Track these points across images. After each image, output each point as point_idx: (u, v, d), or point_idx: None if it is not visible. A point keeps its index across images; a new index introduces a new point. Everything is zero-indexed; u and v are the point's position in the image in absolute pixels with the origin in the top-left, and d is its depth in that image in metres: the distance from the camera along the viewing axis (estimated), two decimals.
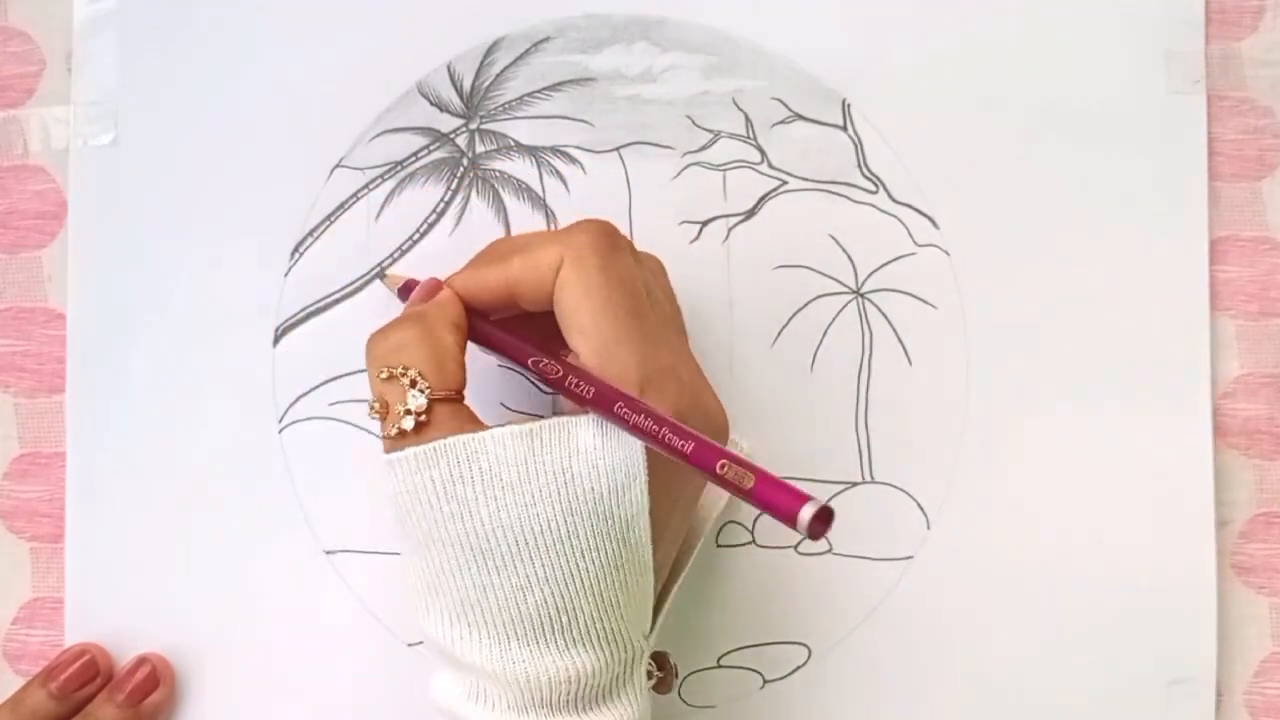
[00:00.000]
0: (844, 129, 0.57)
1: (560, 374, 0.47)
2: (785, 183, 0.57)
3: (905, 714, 0.56)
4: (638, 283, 0.48)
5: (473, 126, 0.57)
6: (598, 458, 0.45)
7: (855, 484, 0.57)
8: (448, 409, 0.46)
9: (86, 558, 0.56)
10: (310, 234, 0.57)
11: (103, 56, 0.57)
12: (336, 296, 0.57)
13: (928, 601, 0.57)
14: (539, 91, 0.57)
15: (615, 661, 0.46)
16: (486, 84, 0.57)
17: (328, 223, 0.57)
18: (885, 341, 0.57)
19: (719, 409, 0.49)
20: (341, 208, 0.57)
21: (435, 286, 0.50)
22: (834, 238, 0.57)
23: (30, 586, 0.57)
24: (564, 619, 0.45)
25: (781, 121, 0.57)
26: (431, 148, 0.57)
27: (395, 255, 0.57)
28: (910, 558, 0.57)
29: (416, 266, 0.57)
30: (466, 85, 0.57)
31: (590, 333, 0.46)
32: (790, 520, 0.40)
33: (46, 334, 0.57)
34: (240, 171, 0.57)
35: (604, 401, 0.45)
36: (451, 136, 0.57)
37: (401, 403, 0.46)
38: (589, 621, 0.45)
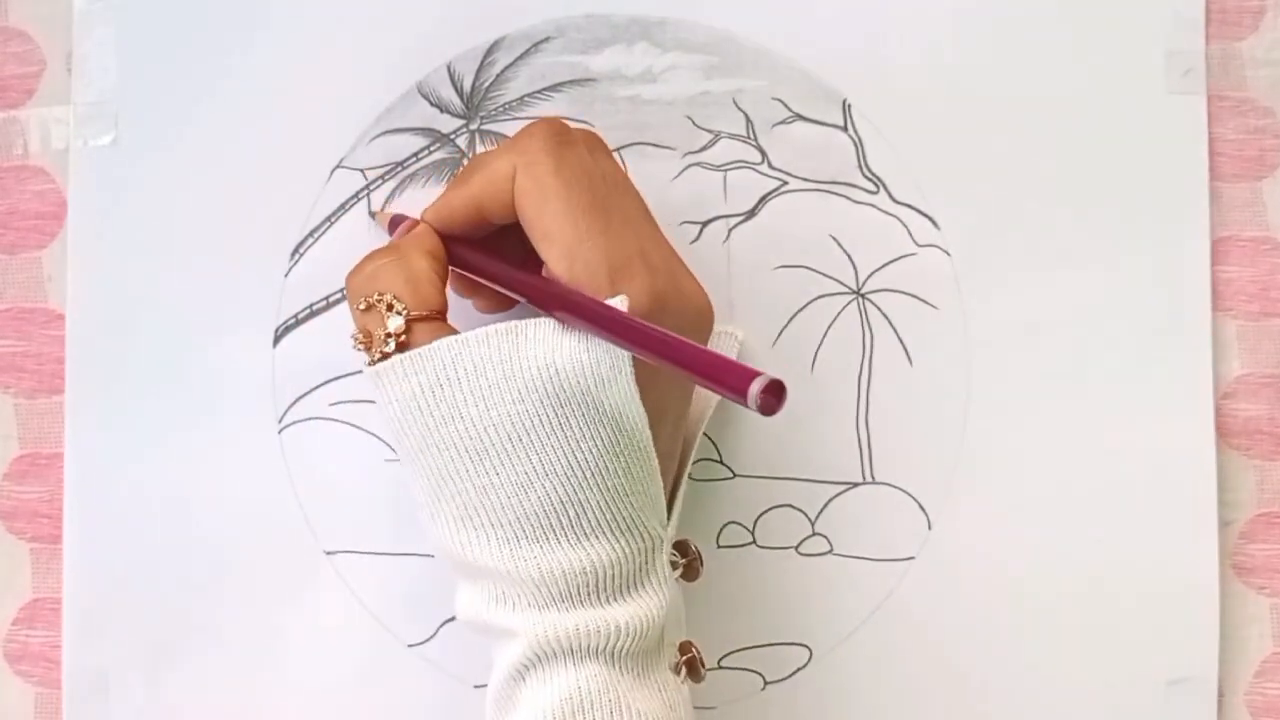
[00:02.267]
0: (844, 129, 0.57)
1: (529, 287, 0.47)
2: (786, 183, 0.57)
3: (906, 714, 0.56)
4: (595, 175, 0.48)
5: (473, 127, 0.57)
6: (581, 350, 0.45)
7: (856, 484, 0.57)
8: (427, 326, 0.47)
9: (86, 558, 0.56)
10: (310, 234, 0.57)
11: (103, 56, 0.57)
12: (336, 296, 0.57)
13: (929, 601, 0.57)
14: (539, 92, 0.57)
15: (634, 550, 0.46)
16: (487, 84, 0.57)
17: (328, 223, 0.57)
18: (886, 342, 0.57)
19: (697, 289, 0.49)
20: (341, 208, 0.57)
21: (413, 224, 0.51)
22: (834, 238, 0.57)
23: (30, 587, 0.57)
24: (571, 511, 0.45)
25: (782, 122, 0.57)
26: (432, 148, 0.57)
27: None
28: (911, 558, 0.57)
29: None
30: (467, 85, 0.57)
31: (554, 237, 0.47)
32: (741, 397, 0.39)
33: (46, 334, 0.57)
34: (240, 171, 0.57)
35: (569, 311, 0.45)
36: (452, 137, 0.57)
37: (381, 327, 0.47)
38: (598, 511, 0.45)
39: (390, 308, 0.47)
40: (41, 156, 0.58)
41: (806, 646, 0.57)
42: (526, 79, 0.57)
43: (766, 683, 0.56)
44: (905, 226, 0.57)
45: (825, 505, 0.57)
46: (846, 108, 0.57)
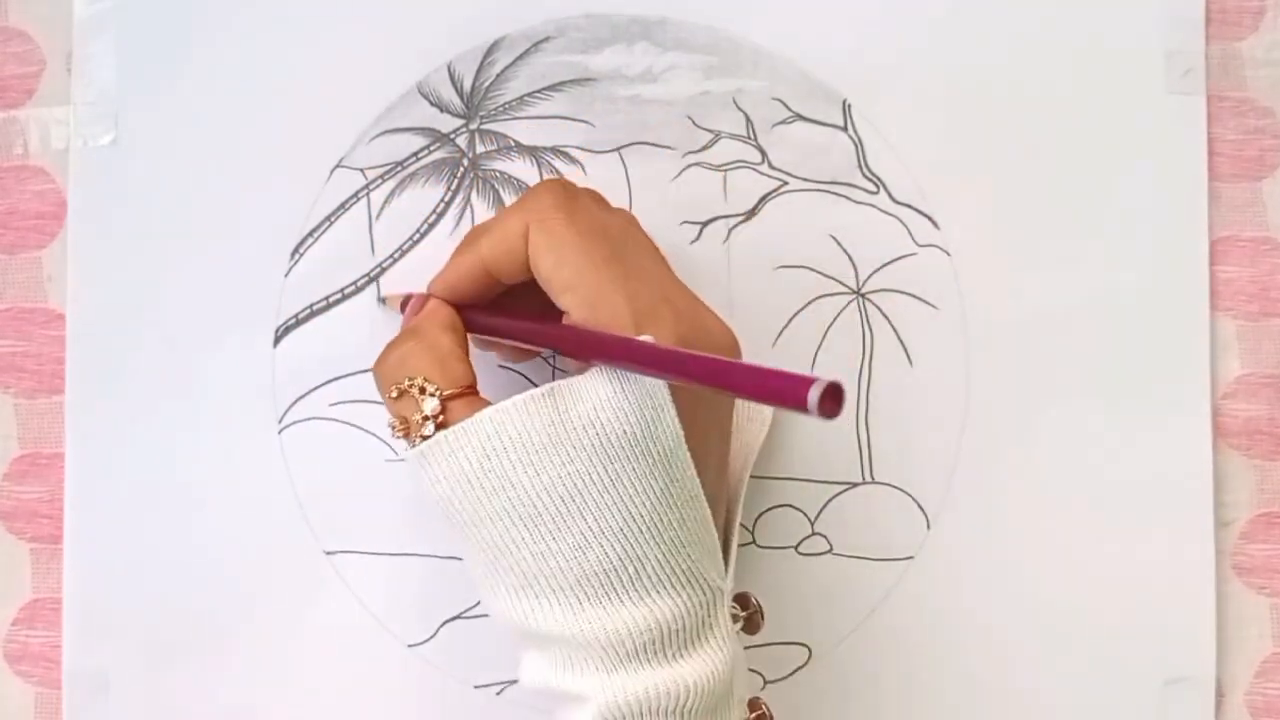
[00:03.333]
0: (844, 129, 0.57)
1: (556, 337, 0.47)
2: (786, 183, 0.57)
3: (906, 714, 0.56)
4: (609, 227, 0.48)
5: (473, 127, 0.57)
6: (622, 400, 0.44)
7: (855, 484, 0.57)
8: (461, 402, 0.47)
9: (86, 559, 0.56)
10: (310, 234, 0.57)
11: (103, 56, 0.57)
12: (336, 296, 0.57)
13: (928, 602, 0.57)
14: (539, 91, 0.57)
15: (696, 604, 0.46)
16: (487, 84, 0.57)
17: (328, 223, 0.57)
18: (886, 342, 0.57)
19: (721, 328, 0.49)
20: (341, 208, 0.57)
21: (421, 299, 0.51)
22: (834, 238, 0.57)
23: (30, 587, 0.57)
24: (631, 568, 0.45)
25: (782, 122, 0.57)
26: (432, 148, 0.57)
27: (395, 255, 0.57)
28: (910, 558, 0.57)
29: (417, 267, 0.57)
30: (467, 85, 0.57)
31: (575, 286, 0.47)
32: (801, 405, 0.38)
33: (46, 334, 0.57)
34: (240, 171, 0.57)
35: (603, 353, 0.45)
36: (452, 137, 0.57)
37: (417, 411, 0.46)
38: (657, 565, 0.45)
39: (423, 390, 0.47)
40: (41, 156, 0.58)
41: (806, 646, 0.57)
42: (526, 79, 0.57)
43: (766, 682, 0.57)
44: (905, 226, 0.57)
45: (825, 505, 0.57)
46: (846, 108, 0.57)
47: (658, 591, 0.45)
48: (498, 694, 0.56)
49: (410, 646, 0.56)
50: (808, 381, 0.37)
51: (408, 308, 0.52)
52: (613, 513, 0.45)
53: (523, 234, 0.48)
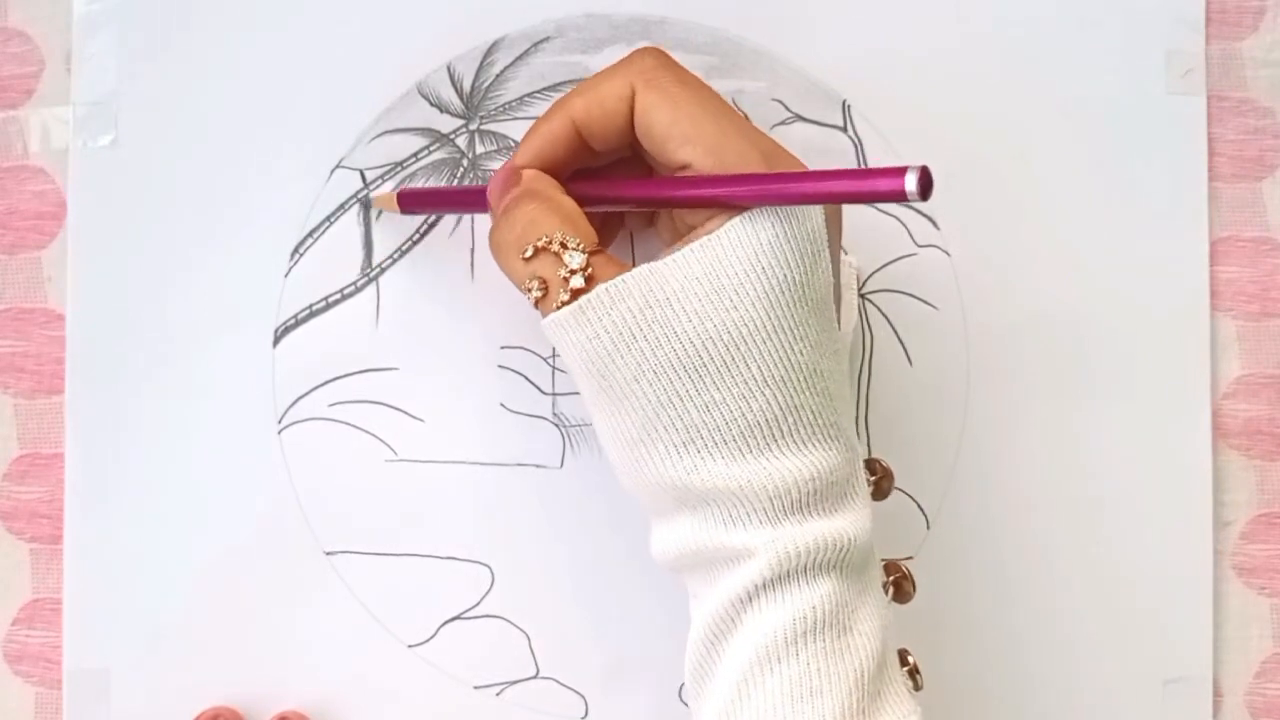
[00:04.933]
0: (844, 130, 0.57)
1: (704, 188, 0.46)
2: None
3: None
4: (710, 86, 0.48)
5: (473, 127, 0.57)
6: (784, 242, 0.44)
7: None
8: (603, 258, 0.46)
9: (86, 559, 0.56)
10: (310, 234, 0.57)
11: (102, 57, 0.57)
12: (336, 297, 0.57)
13: (927, 601, 0.57)
14: (539, 92, 0.57)
15: (844, 458, 0.46)
16: (486, 84, 0.57)
17: (328, 223, 0.57)
18: (885, 342, 0.57)
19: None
20: (341, 208, 0.57)
21: (512, 170, 0.50)
22: None
23: (30, 588, 0.57)
24: (790, 418, 0.45)
25: (782, 122, 0.57)
26: (431, 148, 0.57)
27: (395, 256, 0.57)
28: (910, 558, 0.57)
29: (417, 267, 0.57)
30: (466, 86, 0.57)
31: (697, 137, 0.46)
32: (900, 195, 0.41)
33: (46, 334, 0.57)
34: (240, 171, 0.57)
35: (763, 182, 0.44)
36: (451, 137, 0.57)
37: (561, 267, 0.46)
38: (813, 416, 0.45)
39: (565, 246, 0.46)
40: (41, 156, 0.58)
41: None
42: (526, 79, 0.57)
43: None
44: (905, 227, 0.57)
45: None
46: (846, 108, 0.57)
47: (814, 443, 0.45)
48: (498, 694, 0.56)
49: (410, 647, 0.56)
50: (902, 170, 0.41)
51: (498, 181, 0.50)
52: (775, 360, 0.44)
53: (625, 96, 0.47)
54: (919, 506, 0.57)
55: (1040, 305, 0.57)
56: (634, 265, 0.45)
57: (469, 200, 0.54)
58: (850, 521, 0.45)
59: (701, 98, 0.47)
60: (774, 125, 0.57)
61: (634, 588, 0.56)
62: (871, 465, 0.49)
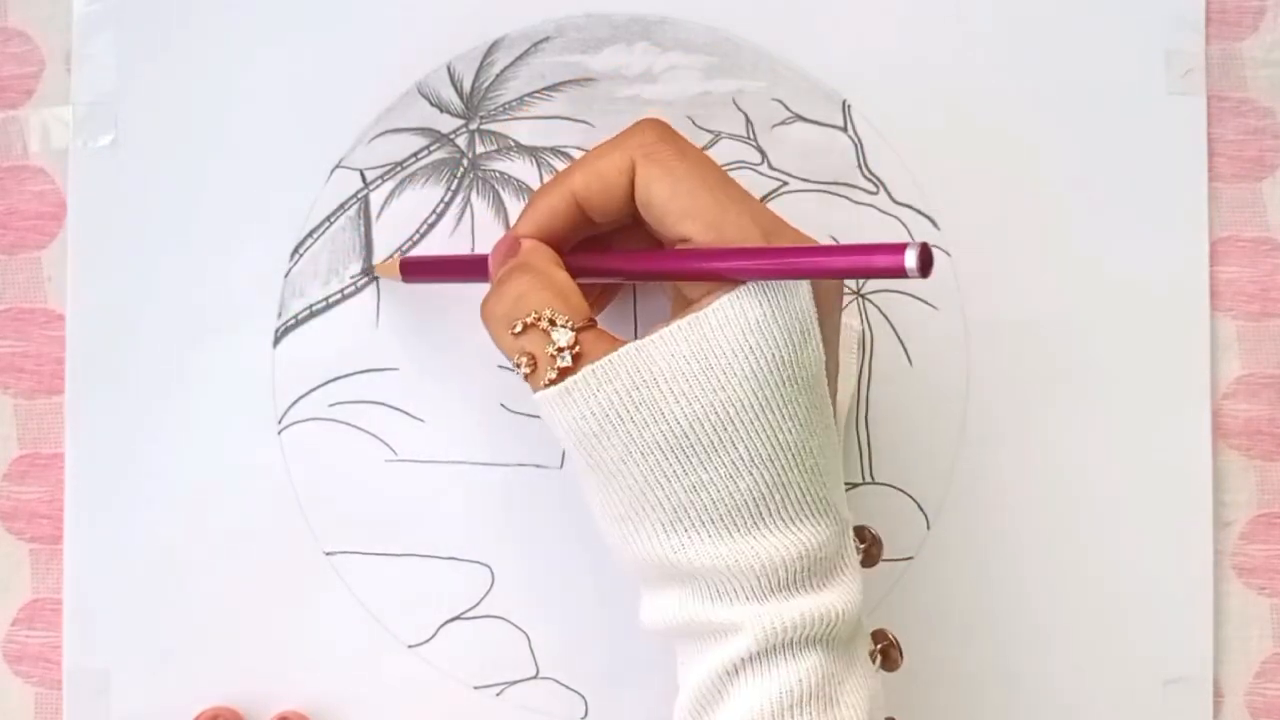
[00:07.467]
0: (844, 130, 0.57)
1: (700, 261, 0.46)
2: (786, 184, 0.57)
3: (905, 713, 0.56)
4: (710, 160, 0.48)
5: (473, 127, 0.57)
6: (771, 321, 0.44)
7: (855, 484, 0.57)
8: (592, 335, 0.46)
9: (86, 559, 0.56)
10: (310, 234, 0.57)
11: (102, 56, 0.57)
12: (336, 297, 0.57)
13: (928, 602, 0.57)
14: (539, 92, 0.57)
15: (833, 533, 0.46)
16: (486, 84, 0.57)
17: (328, 223, 0.57)
18: (885, 342, 0.57)
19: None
20: (341, 208, 0.57)
21: (513, 241, 0.50)
22: (835, 238, 0.57)
23: (30, 588, 0.57)
24: (778, 496, 0.45)
25: (782, 122, 0.57)
26: (431, 148, 0.57)
27: (395, 256, 0.57)
28: (910, 558, 0.57)
29: None
30: (466, 85, 0.57)
31: (696, 212, 0.46)
32: (899, 269, 0.41)
33: (46, 334, 0.57)
34: (240, 172, 0.57)
35: (759, 257, 0.44)
36: (451, 137, 0.57)
37: (549, 344, 0.46)
38: (800, 493, 0.45)
39: (553, 323, 0.46)
40: (41, 156, 0.58)
41: None
42: (526, 79, 0.57)
43: None
44: (905, 227, 0.57)
45: None
46: (846, 108, 0.57)
47: (801, 520, 0.45)
48: (497, 694, 0.56)
49: (410, 647, 0.56)
50: (899, 246, 0.40)
51: (497, 251, 0.50)
52: (763, 439, 0.44)
53: (625, 169, 0.47)
54: (919, 506, 0.57)
55: (1040, 305, 0.57)
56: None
57: (471, 269, 0.53)
58: (838, 595, 0.45)
59: (702, 171, 0.47)
60: (774, 125, 0.57)
61: (634, 588, 0.56)
62: (860, 533, 0.49)
